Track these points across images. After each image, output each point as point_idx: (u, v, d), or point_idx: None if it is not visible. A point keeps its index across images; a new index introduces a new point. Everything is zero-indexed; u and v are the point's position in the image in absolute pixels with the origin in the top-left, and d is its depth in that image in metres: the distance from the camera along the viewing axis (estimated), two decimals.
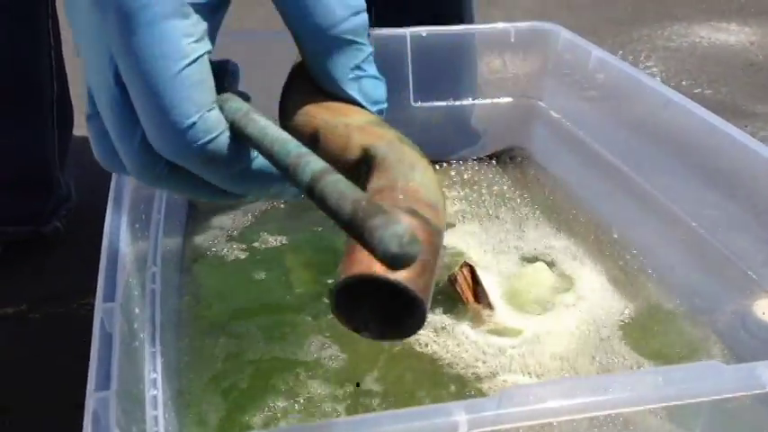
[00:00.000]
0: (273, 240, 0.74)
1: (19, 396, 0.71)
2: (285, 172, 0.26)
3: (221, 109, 0.30)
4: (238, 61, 0.33)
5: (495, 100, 0.78)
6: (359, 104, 0.32)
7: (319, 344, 0.58)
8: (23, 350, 0.77)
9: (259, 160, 0.31)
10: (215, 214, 0.78)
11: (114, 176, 0.50)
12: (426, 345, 0.59)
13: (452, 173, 0.81)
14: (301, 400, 0.52)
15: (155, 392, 0.44)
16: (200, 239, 0.73)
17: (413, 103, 0.78)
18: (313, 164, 0.25)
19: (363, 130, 0.30)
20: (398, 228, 0.21)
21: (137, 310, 0.44)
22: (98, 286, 0.39)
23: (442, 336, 0.60)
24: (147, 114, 0.29)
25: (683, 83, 1.44)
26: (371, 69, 0.32)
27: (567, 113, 0.75)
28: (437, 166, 0.81)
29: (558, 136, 0.77)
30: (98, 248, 0.95)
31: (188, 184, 0.31)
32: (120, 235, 0.43)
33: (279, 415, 0.51)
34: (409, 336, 0.26)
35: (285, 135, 0.27)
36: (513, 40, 0.76)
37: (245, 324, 0.61)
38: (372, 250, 0.21)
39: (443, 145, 0.81)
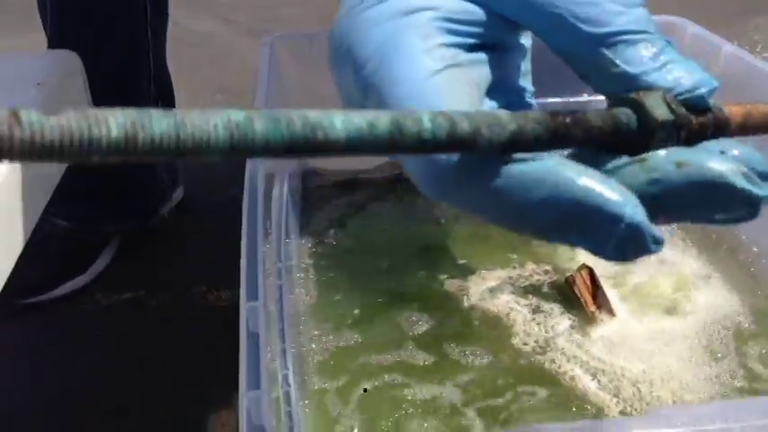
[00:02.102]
0: (382, 232, 0.75)
1: (142, 384, 0.74)
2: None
3: None
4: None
5: None
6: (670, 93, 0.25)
7: (433, 335, 0.59)
8: (143, 334, 0.80)
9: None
10: (325, 210, 0.80)
11: (247, 175, 0.51)
12: (527, 343, 0.59)
13: None
14: (427, 398, 0.52)
15: (287, 389, 0.45)
16: (314, 233, 0.75)
17: (527, 100, 0.76)
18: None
19: None
20: None
21: (271, 307, 0.45)
22: (241, 285, 0.40)
23: (551, 339, 0.59)
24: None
25: None
26: (675, 54, 0.26)
27: None
28: None
29: None
30: (203, 237, 0.98)
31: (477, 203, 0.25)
32: (258, 235, 0.43)
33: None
34: None
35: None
36: None
37: (365, 316, 0.62)
38: None
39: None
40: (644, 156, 0.25)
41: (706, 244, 0.67)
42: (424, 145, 0.21)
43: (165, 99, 0.91)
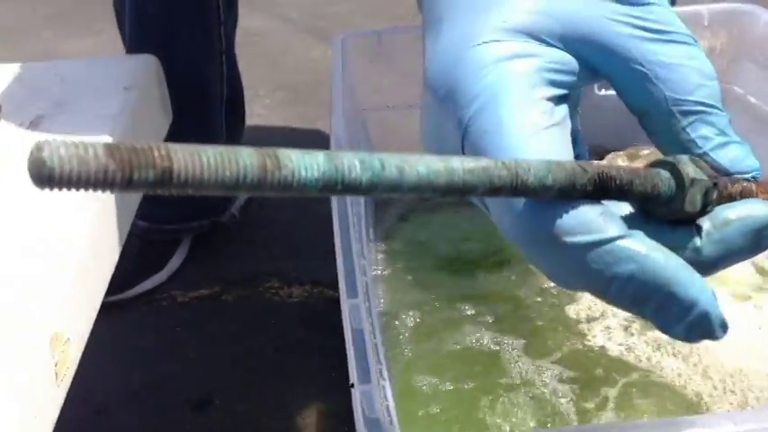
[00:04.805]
0: (447, 222, 0.76)
1: (222, 378, 0.76)
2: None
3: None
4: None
5: None
6: (726, 173, 0.29)
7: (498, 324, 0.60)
8: (220, 329, 0.82)
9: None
10: (394, 207, 0.81)
11: None
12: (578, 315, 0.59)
13: (645, 152, 0.79)
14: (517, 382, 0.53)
15: (383, 383, 0.46)
16: (385, 228, 0.76)
17: (597, 92, 0.76)
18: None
19: None
20: None
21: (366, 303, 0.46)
22: (340, 283, 0.41)
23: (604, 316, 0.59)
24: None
25: None
26: (734, 135, 0.30)
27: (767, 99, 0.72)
28: (620, 152, 0.80)
29: (756, 122, 0.73)
30: (271, 233, 0.99)
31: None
32: (351, 235, 0.44)
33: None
34: None
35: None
36: (706, 23, 0.73)
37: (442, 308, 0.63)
38: None
39: (628, 134, 0.79)
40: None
41: None
42: (497, 190, 0.23)
43: (235, 101, 0.92)
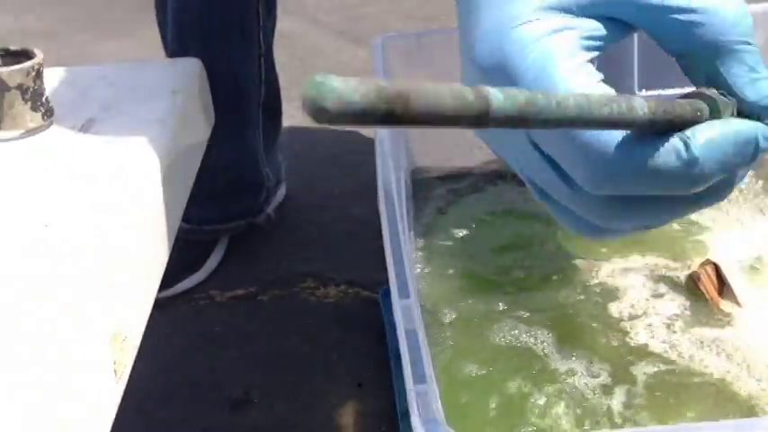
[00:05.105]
0: (483, 222, 0.76)
1: (259, 378, 0.77)
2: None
3: None
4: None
5: None
6: (758, 108, 0.32)
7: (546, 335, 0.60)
8: (258, 328, 0.83)
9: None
10: (431, 200, 0.81)
11: (381, 177, 0.53)
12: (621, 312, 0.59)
13: None
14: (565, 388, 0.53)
15: (431, 383, 0.46)
16: (424, 224, 0.76)
17: (637, 92, 0.76)
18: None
19: None
20: None
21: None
22: (391, 283, 0.42)
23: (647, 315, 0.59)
24: (566, 146, 0.30)
25: None
26: (764, 70, 0.32)
27: None
28: None
29: None
30: (307, 234, 1.00)
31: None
32: (399, 233, 0.45)
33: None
34: None
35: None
36: None
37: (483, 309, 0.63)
38: None
39: None
40: None
41: None
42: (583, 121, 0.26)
43: (272, 103, 0.93)
